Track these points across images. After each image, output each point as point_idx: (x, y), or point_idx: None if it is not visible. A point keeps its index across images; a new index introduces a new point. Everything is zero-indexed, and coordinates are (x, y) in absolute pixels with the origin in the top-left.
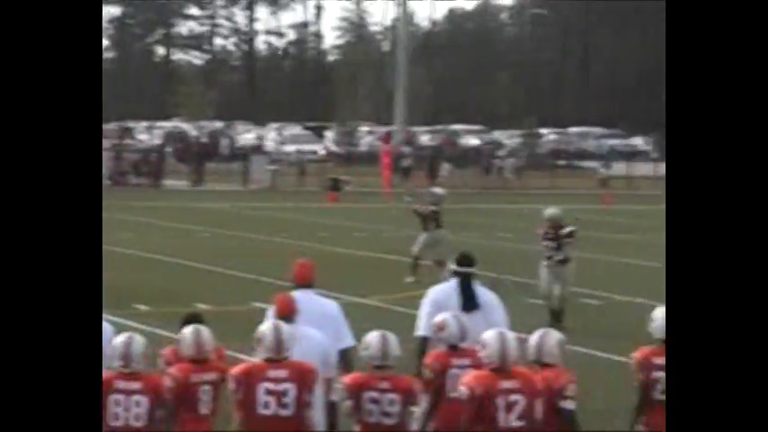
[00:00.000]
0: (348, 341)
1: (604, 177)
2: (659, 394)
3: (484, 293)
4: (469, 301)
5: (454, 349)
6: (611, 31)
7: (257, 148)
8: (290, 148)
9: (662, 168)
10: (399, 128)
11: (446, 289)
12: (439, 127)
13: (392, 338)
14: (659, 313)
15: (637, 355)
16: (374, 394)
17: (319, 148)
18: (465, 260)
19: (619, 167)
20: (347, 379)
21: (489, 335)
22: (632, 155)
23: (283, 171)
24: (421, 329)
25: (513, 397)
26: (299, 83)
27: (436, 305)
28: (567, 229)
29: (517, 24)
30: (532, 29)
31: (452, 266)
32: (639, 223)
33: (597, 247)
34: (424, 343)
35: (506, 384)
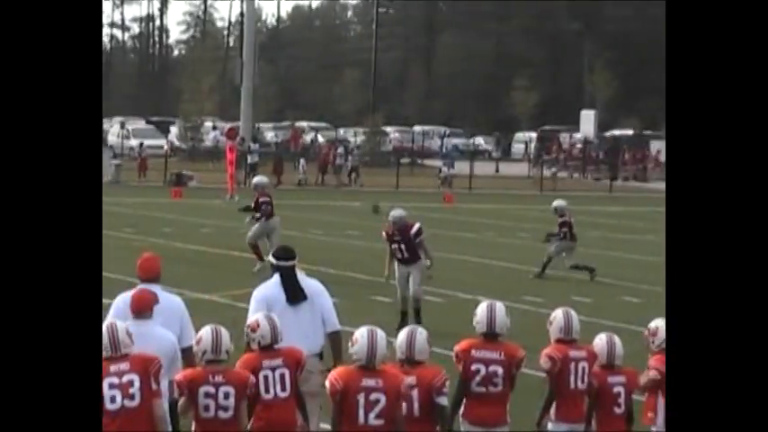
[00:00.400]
0: (192, 341)
1: (446, 176)
2: (477, 386)
3: (309, 284)
4: (293, 294)
5: (266, 350)
6: (454, 31)
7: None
8: (134, 142)
9: (502, 167)
10: (244, 124)
11: (270, 285)
12: (284, 123)
13: (224, 332)
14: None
15: (457, 347)
16: (209, 389)
17: (163, 143)
18: (283, 253)
19: (461, 166)
20: (179, 375)
21: (360, 332)
22: (474, 154)
23: (127, 165)
24: None
25: (375, 395)
26: (143, 77)
27: (263, 302)
28: (414, 229)
29: (362, 23)
30: (377, 27)
31: (272, 261)
32: (481, 221)
33: (440, 245)
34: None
35: (369, 382)
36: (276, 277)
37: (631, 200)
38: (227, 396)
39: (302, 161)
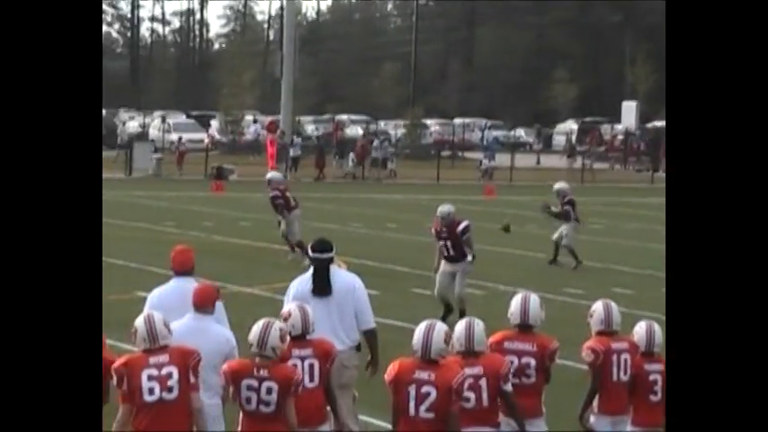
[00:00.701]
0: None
1: (487, 168)
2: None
3: (344, 278)
4: (319, 287)
5: (297, 339)
6: (494, 23)
7: (141, 136)
8: (175, 136)
9: (543, 159)
10: (285, 117)
11: (304, 278)
12: (325, 117)
13: (275, 329)
14: (598, 307)
15: (490, 339)
16: (252, 382)
17: (204, 137)
18: (319, 246)
19: (501, 159)
20: (225, 366)
21: (420, 325)
22: (515, 146)
23: (168, 159)
24: None
25: (426, 388)
26: (183, 71)
27: (297, 295)
28: (462, 226)
29: (402, 15)
30: (417, 20)
31: (309, 253)
32: (522, 214)
33: (481, 238)
34: None
35: (422, 375)
36: (310, 270)
37: None
38: (269, 391)
39: (351, 155)
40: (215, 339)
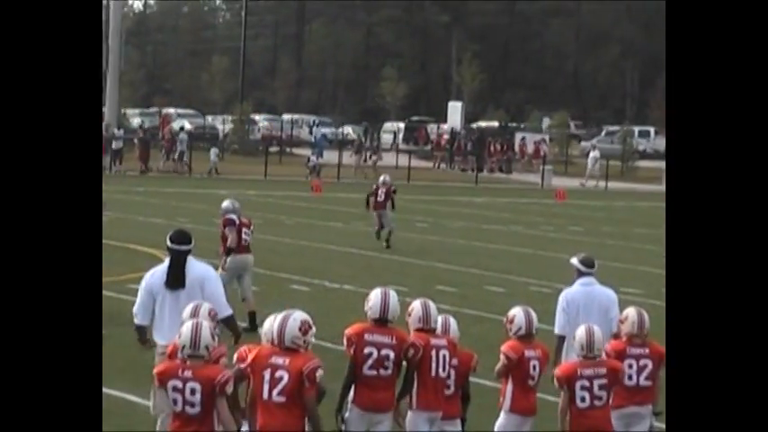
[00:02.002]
0: (226, 311)
1: (315, 165)
2: (368, 369)
3: (198, 270)
4: (173, 279)
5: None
6: (324, 20)
7: None
8: None
9: (373, 156)
10: (110, 109)
11: (158, 270)
12: (152, 110)
13: (205, 327)
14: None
15: (348, 331)
16: (177, 383)
17: None
18: (177, 237)
19: (329, 156)
20: (155, 369)
21: (277, 316)
22: (342, 143)
23: None
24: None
25: (279, 373)
26: None
27: (147, 287)
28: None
29: (231, 10)
30: (246, 15)
31: (167, 243)
32: (348, 211)
33: (308, 235)
34: None
35: (278, 360)
36: (166, 261)
37: (497, 191)
38: (193, 392)
39: (215, 150)
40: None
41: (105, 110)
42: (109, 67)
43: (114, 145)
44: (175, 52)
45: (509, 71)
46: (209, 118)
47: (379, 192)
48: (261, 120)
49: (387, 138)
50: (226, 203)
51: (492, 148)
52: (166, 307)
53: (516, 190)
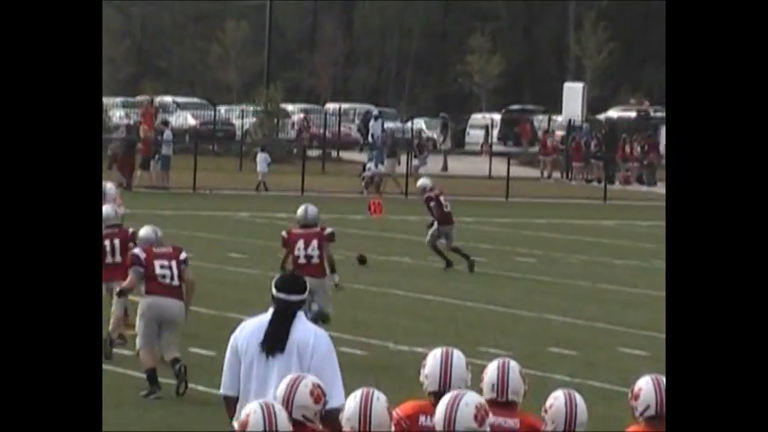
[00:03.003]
0: None
1: (373, 175)
2: None
3: (305, 334)
4: (271, 340)
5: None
6: None
7: None
8: None
9: (453, 164)
10: None
11: (253, 322)
12: (139, 99)
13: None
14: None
15: (398, 412)
16: None
17: None
18: (284, 283)
19: (393, 162)
20: None
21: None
22: (413, 145)
23: None
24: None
25: None
26: None
27: (233, 345)
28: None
29: None
30: None
31: (272, 291)
32: (419, 240)
33: (362, 274)
34: None
35: None
36: (266, 314)
37: (634, 210)
38: None
39: (263, 155)
40: None
41: None
42: None
43: None
44: (172, 16)
45: (651, 38)
46: (222, 109)
47: (442, 199)
48: (295, 111)
49: (475, 135)
50: (144, 231)
51: (627, 150)
52: (253, 375)
53: (662, 209)
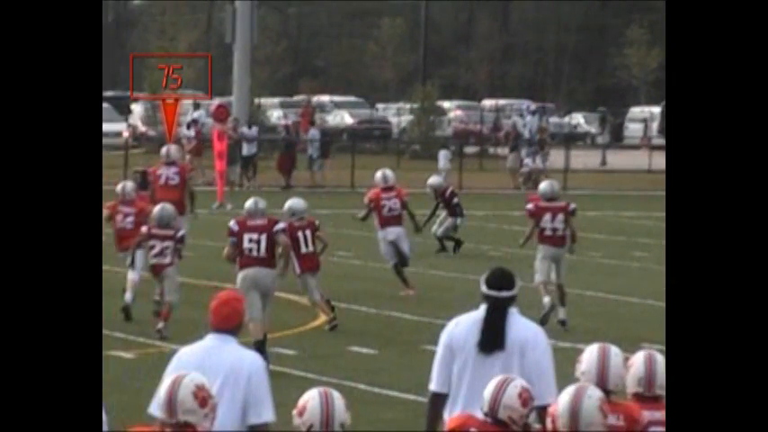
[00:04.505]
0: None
1: (530, 171)
2: None
3: (523, 330)
4: (489, 338)
5: None
6: None
7: None
8: None
9: (611, 158)
10: (239, 100)
11: (467, 320)
12: (297, 98)
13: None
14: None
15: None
16: None
17: (122, 129)
18: (496, 279)
19: (552, 156)
20: None
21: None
22: (571, 139)
23: None
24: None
25: None
26: None
27: (447, 343)
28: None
29: None
30: None
31: (482, 288)
32: (590, 236)
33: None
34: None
35: None
36: (480, 311)
37: None
38: None
39: (445, 153)
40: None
41: (232, 100)
42: (235, 39)
43: (245, 150)
44: (329, 15)
45: None
46: (379, 107)
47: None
48: (452, 108)
49: (634, 128)
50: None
51: None
52: (467, 374)
53: None
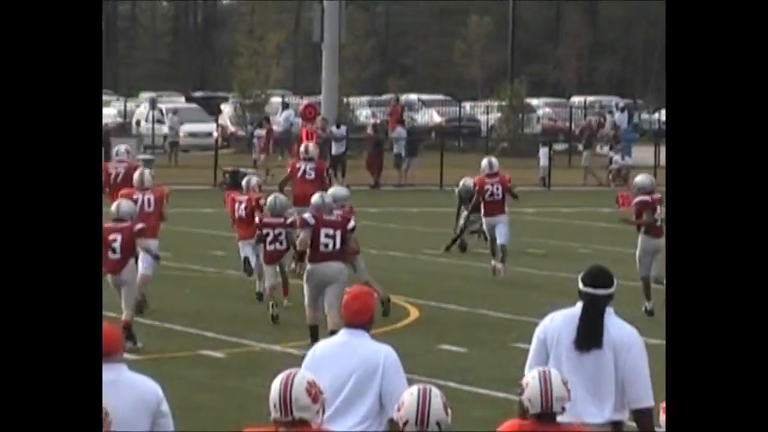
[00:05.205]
0: None
1: (619, 168)
2: None
3: (619, 329)
4: (586, 336)
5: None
6: None
7: (121, 129)
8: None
9: None
10: (327, 99)
11: (562, 316)
12: (385, 97)
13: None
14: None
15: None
16: None
17: (212, 129)
18: (592, 277)
19: (641, 153)
20: None
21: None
22: (660, 136)
23: (161, 161)
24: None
25: None
26: (181, 35)
27: (541, 339)
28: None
29: None
30: None
31: (579, 285)
32: None
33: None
34: None
35: None
36: (577, 308)
37: None
38: None
39: (543, 150)
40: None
41: (321, 100)
42: (324, 38)
43: (334, 149)
44: (417, 14)
45: None
46: (467, 106)
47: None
48: (540, 105)
49: None
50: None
51: None
52: (563, 369)
53: None
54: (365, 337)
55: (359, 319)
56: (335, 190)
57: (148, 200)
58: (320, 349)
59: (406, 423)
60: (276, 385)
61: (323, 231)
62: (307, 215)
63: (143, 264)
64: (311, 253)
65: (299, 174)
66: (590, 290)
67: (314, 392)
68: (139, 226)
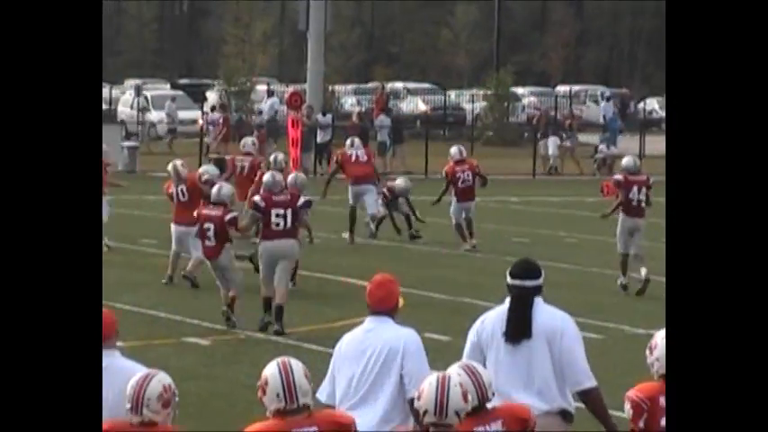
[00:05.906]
0: None
1: (605, 157)
2: None
3: (550, 318)
4: (514, 327)
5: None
6: None
7: (105, 116)
8: (156, 115)
9: None
10: (313, 87)
11: (494, 312)
12: (370, 85)
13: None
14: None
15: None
16: None
17: (197, 116)
18: (520, 269)
19: (628, 142)
20: None
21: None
22: (646, 124)
23: (145, 148)
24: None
25: None
26: (167, 23)
27: (475, 336)
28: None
29: None
30: None
31: (507, 278)
32: (658, 222)
33: (597, 261)
34: None
35: None
36: (506, 303)
37: None
38: None
39: (554, 139)
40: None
41: (306, 88)
42: (309, 27)
43: (319, 137)
44: (402, 2)
45: None
46: (452, 94)
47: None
48: (525, 94)
49: None
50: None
51: None
52: (501, 366)
53: None
54: (389, 323)
55: (384, 306)
56: (297, 175)
57: (182, 190)
58: (348, 338)
59: (425, 413)
60: (274, 376)
61: (273, 211)
62: (257, 197)
63: (195, 251)
64: (264, 231)
65: (353, 159)
66: (517, 282)
67: (308, 377)
68: (231, 215)
